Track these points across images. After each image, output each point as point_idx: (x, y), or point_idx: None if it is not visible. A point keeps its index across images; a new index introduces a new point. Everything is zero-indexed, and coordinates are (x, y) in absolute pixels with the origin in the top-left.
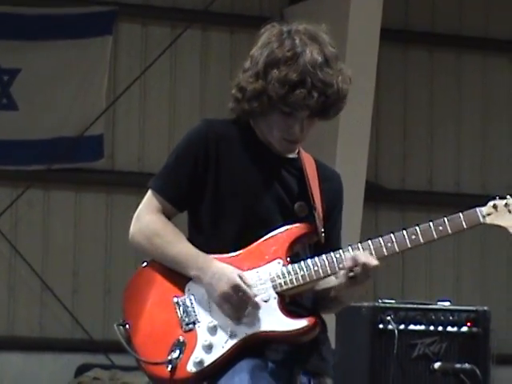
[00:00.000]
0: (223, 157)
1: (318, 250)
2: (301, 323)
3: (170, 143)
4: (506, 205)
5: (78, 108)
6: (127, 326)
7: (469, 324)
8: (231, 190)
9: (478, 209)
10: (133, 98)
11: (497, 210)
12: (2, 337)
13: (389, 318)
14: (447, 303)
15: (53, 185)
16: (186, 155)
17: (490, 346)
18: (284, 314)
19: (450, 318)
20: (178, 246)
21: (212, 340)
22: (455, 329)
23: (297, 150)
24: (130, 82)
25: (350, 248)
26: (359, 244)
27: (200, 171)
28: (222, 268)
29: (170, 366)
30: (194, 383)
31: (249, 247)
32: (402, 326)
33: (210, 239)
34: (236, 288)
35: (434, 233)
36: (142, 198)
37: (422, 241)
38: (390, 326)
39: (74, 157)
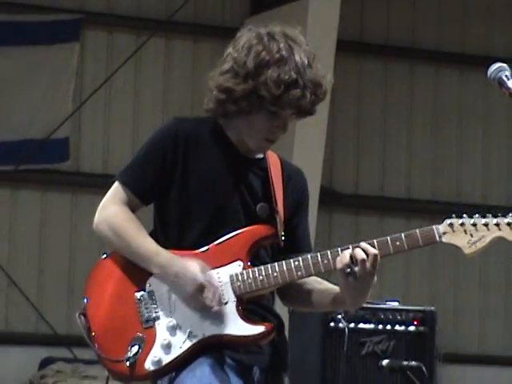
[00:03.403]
0: (191, 155)
1: (278, 252)
2: (258, 329)
3: (133, 147)
4: (462, 224)
5: (45, 111)
6: (86, 312)
7: (416, 323)
8: (197, 189)
9: (434, 227)
10: (98, 102)
11: (453, 230)
12: None
13: (339, 316)
14: (395, 303)
15: (20, 185)
16: (155, 151)
17: (435, 344)
18: (241, 318)
19: (398, 317)
20: (141, 240)
21: (171, 339)
22: (403, 328)
23: None
24: (95, 87)
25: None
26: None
27: (167, 167)
28: (184, 267)
29: (128, 363)
30: (151, 381)
31: (211, 245)
32: (352, 325)
33: (175, 236)
34: (201, 288)
35: (391, 247)
36: None
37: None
38: (340, 325)
39: (40, 158)
